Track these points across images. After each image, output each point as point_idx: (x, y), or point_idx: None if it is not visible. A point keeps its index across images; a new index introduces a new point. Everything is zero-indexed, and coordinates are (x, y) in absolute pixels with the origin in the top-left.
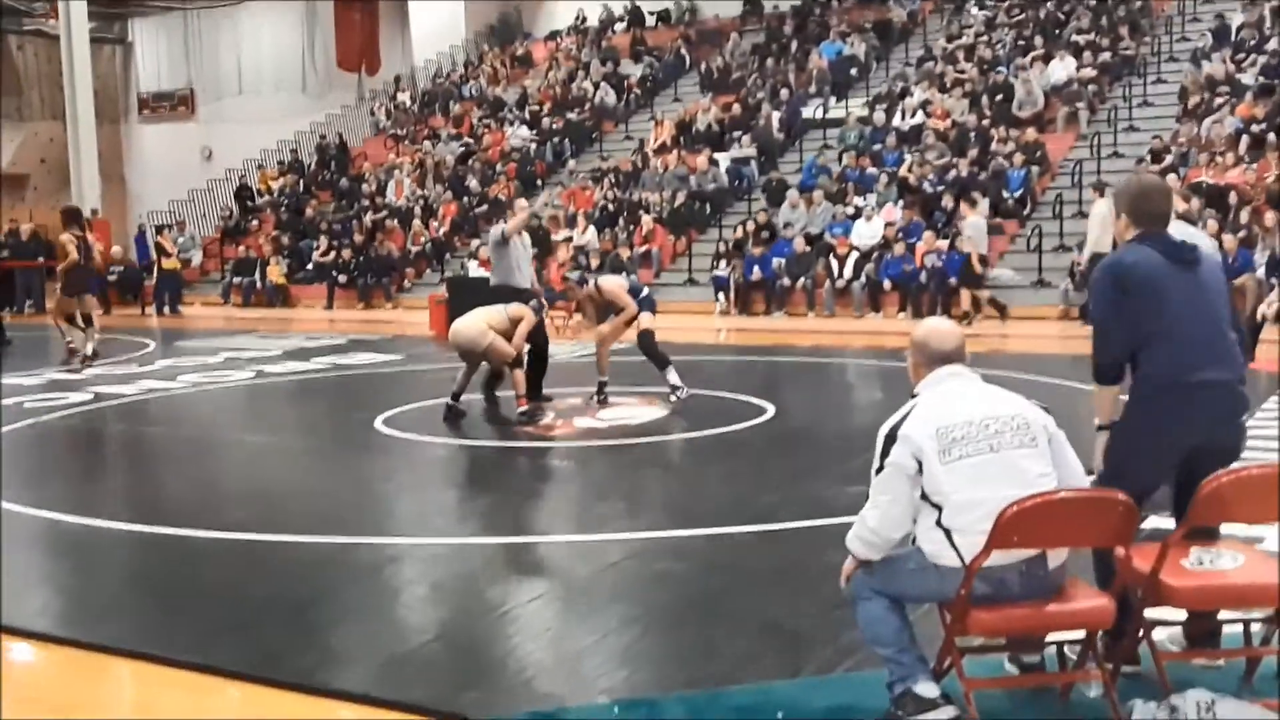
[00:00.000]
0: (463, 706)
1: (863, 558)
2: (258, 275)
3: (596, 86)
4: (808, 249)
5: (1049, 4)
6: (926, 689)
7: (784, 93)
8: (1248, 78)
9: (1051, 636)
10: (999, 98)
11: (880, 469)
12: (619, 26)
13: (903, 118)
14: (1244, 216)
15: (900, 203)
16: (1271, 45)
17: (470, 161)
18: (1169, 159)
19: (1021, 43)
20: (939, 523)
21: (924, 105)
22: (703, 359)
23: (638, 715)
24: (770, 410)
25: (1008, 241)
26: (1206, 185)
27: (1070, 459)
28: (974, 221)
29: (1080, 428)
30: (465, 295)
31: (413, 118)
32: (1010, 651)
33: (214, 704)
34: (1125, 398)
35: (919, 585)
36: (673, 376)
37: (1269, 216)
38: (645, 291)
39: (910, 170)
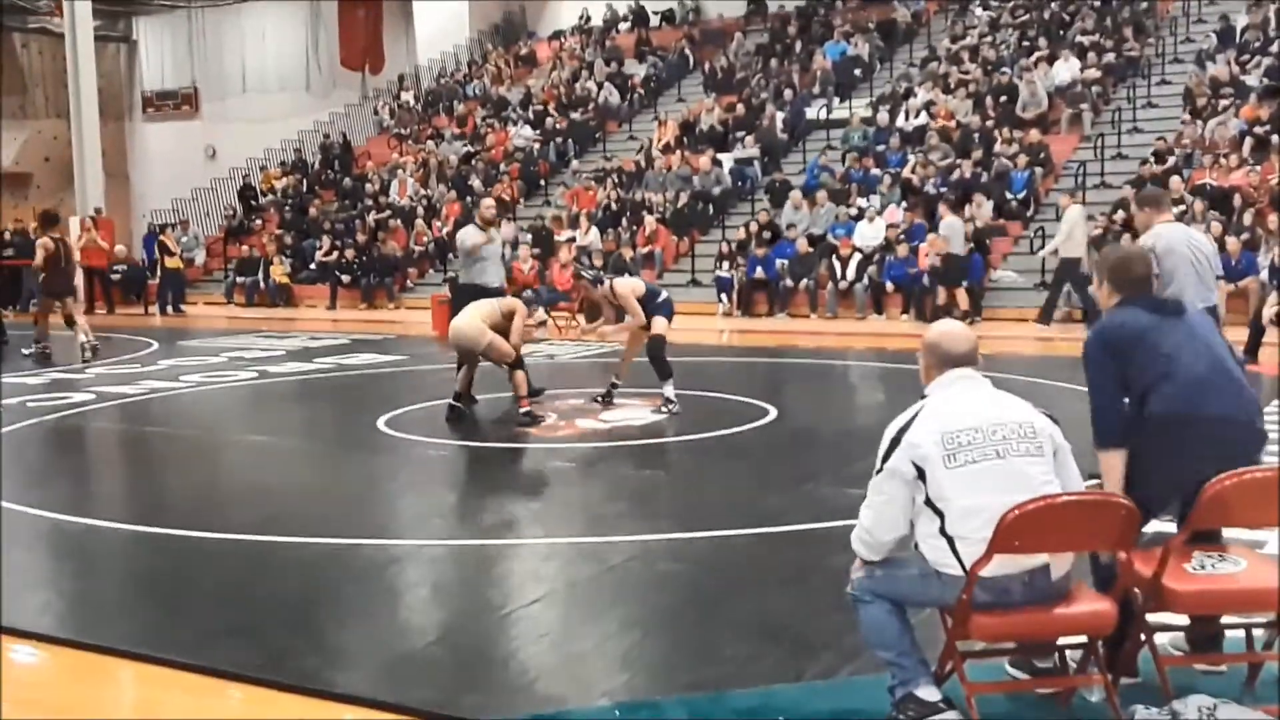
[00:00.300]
0: (464, 709)
1: (863, 558)
2: (261, 275)
3: (600, 86)
4: (810, 250)
5: (1053, 5)
6: (928, 693)
7: (788, 93)
8: (1252, 79)
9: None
10: (1003, 99)
11: (880, 470)
12: (623, 26)
13: (906, 119)
14: (1248, 219)
15: (903, 204)
16: (1276, 47)
17: (474, 161)
18: (1173, 160)
19: (1026, 43)
20: (942, 530)
21: (928, 106)
22: (705, 360)
23: (639, 718)
24: (773, 412)
25: (1011, 243)
26: (1210, 187)
27: (1073, 473)
28: (950, 222)
29: (1079, 428)
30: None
31: (416, 117)
32: (1023, 656)
33: (215, 705)
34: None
35: (921, 591)
36: (669, 390)
37: (1273, 219)
38: (664, 296)
39: (914, 171)
